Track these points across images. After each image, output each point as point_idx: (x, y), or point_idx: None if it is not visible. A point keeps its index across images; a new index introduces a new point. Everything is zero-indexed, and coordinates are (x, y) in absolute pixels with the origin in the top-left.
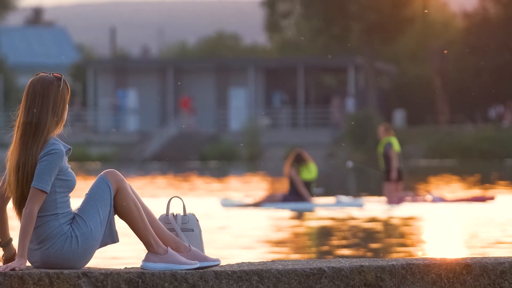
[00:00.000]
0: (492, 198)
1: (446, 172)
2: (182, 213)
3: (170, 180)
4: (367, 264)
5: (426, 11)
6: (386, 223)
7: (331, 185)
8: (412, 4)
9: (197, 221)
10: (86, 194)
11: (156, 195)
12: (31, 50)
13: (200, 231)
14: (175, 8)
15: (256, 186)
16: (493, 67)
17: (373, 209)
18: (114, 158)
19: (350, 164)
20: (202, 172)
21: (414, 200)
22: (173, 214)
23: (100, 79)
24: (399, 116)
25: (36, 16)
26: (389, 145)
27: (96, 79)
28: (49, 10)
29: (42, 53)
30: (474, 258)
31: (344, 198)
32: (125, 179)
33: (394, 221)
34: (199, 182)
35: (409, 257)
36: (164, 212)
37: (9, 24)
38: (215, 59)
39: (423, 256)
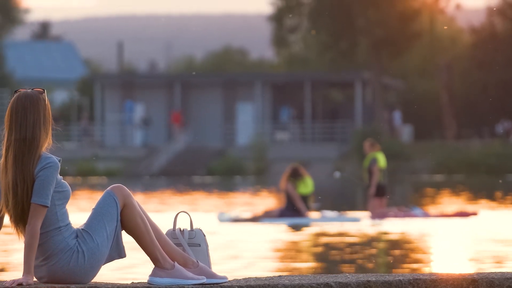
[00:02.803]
0: (475, 214)
1: (452, 187)
2: (189, 228)
3: (173, 195)
4: (374, 279)
5: (445, 27)
6: (377, 239)
7: (335, 200)
8: (419, 19)
9: (204, 236)
10: (93, 209)
11: (163, 210)
12: (39, 64)
13: (207, 246)
14: (183, 23)
15: (260, 201)
16: (500, 82)
17: (367, 224)
18: (121, 173)
19: (337, 174)
20: (208, 187)
21: (397, 216)
22: (180, 229)
23: (107, 93)
24: (406, 131)
25: (44, 30)
26: (374, 161)
27: (104, 93)
28: (56, 25)
29: (50, 67)
30: (481, 273)
31: (329, 213)
32: (131, 194)
33: (383, 237)
34: (202, 197)
35: (416, 273)
36: (171, 227)
37: (17, 38)
38: (223, 74)
39: (429, 272)
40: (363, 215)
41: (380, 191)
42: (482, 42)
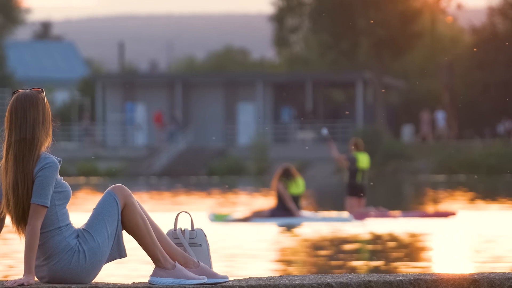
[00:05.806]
0: (453, 214)
1: (452, 187)
2: (190, 228)
3: (170, 195)
4: (374, 279)
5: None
6: (361, 239)
7: (332, 200)
8: (420, 19)
9: (205, 236)
10: (94, 209)
11: (163, 210)
12: (40, 64)
13: (208, 246)
14: (184, 22)
15: (257, 201)
16: (501, 82)
17: (352, 224)
18: (122, 173)
19: (325, 131)
20: (209, 187)
21: (376, 215)
22: (181, 229)
23: (108, 93)
24: (407, 131)
25: (45, 30)
26: (353, 159)
27: (105, 93)
28: (57, 25)
29: (51, 67)
30: (482, 273)
31: (307, 213)
32: (132, 194)
33: (364, 237)
34: (200, 197)
35: (417, 273)
36: (172, 227)
37: (18, 38)
38: (224, 74)
39: (430, 271)
40: (345, 215)
41: (358, 191)
42: (483, 42)
